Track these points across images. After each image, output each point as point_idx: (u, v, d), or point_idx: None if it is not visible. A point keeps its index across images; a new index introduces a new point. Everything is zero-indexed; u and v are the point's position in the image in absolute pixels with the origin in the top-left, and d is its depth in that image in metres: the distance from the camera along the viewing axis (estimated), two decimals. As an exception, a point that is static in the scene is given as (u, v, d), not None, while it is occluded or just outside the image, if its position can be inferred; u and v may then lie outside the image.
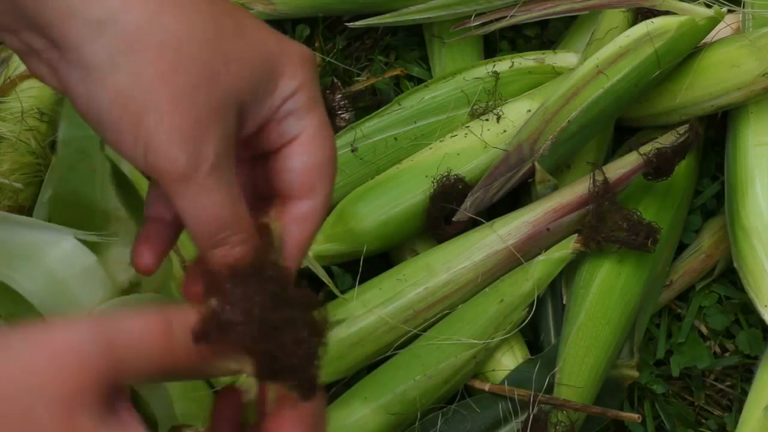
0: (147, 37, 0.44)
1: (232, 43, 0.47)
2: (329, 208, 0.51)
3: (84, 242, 0.61)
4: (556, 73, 0.90)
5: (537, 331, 0.85)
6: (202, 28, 0.46)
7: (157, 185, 0.50)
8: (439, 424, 0.78)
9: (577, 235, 0.81)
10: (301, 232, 0.50)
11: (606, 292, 0.80)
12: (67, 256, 0.59)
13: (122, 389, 0.44)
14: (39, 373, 0.41)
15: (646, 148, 0.81)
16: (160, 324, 0.44)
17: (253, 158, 0.51)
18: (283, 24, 0.98)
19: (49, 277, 0.59)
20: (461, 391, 0.80)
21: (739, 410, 0.82)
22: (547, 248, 0.81)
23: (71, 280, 0.56)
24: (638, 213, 0.80)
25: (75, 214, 0.68)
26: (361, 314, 0.80)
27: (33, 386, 0.41)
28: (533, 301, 0.80)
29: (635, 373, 0.83)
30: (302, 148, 0.49)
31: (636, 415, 0.78)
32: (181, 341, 0.44)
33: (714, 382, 0.89)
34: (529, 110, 0.86)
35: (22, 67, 0.88)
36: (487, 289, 0.81)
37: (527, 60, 0.90)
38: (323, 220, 0.51)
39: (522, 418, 0.77)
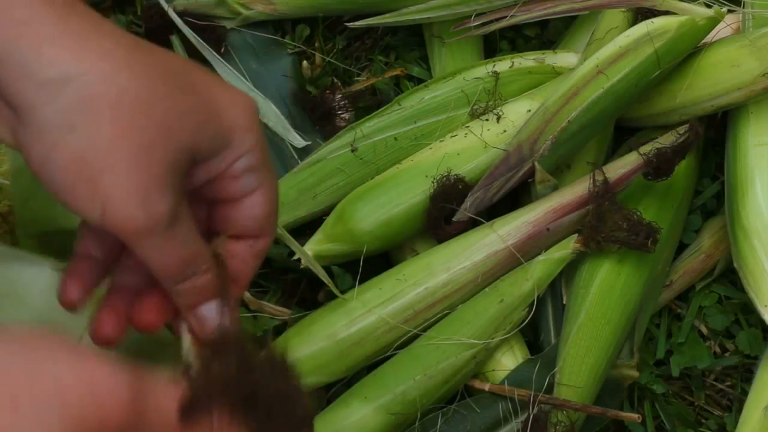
0: (102, 97, 0.45)
1: (186, 99, 0.47)
2: None
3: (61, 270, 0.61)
4: (556, 73, 0.89)
5: (537, 331, 0.85)
6: (157, 85, 0.46)
7: (88, 224, 0.51)
8: (439, 424, 0.78)
9: (577, 235, 0.81)
10: (253, 265, 0.54)
11: (606, 292, 0.80)
12: (46, 290, 0.59)
13: None
14: (68, 389, 0.40)
15: (646, 148, 0.81)
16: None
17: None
18: (283, 24, 0.98)
19: (35, 315, 0.58)
20: (461, 391, 0.80)
21: (739, 410, 0.82)
22: (547, 248, 0.81)
23: (56, 313, 0.55)
24: (638, 213, 0.80)
25: (42, 238, 0.68)
26: (361, 314, 0.80)
27: (58, 394, 0.40)
28: (533, 301, 0.80)
29: (635, 373, 0.83)
30: (260, 199, 0.52)
31: (636, 415, 0.78)
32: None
33: (714, 382, 0.89)
34: (529, 110, 0.86)
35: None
36: (487, 289, 0.81)
37: (527, 60, 0.90)
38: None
39: (522, 418, 0.77)
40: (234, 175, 0.51)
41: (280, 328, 0.86)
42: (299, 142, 0.92)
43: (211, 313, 0.51)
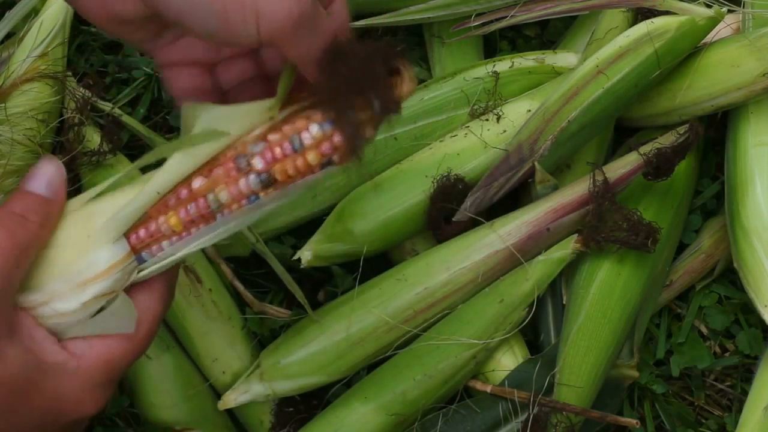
0: None
1: None
2: None
3: None
4: (556, 73, 0.90)
5: (537, 331, 0.85)
6: None
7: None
8: (439, 424, 0.78)
9: (577, 235, 0.81)
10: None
11: (606, 292, 0.80)
12: None
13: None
14: None
15: (646, 148, 0.82)
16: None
17: None
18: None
19: None
20: (461, 392, 0.80)
21: (739, 410, 0.82)
22: (547, 248, 0.81)
23: None
24: (638, 213, 0.80)
25: None
26: (361, 314, 0.80)
27: None
28: (533, 301, 0.80)
29: (635, 373, 0.83)
30: None
31: (634, 421, 0.78)
32: None
33: (714, 382, 0.89)
34: (529, 110, 0.86)
35: (23, 69, 0.88)
36: (487, 289, 0.81)
37: (527, 60, 0.90)
38: None
39: (522, 418, 0.78)
40: None
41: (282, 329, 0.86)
42: (299, 142, 0.91)
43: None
